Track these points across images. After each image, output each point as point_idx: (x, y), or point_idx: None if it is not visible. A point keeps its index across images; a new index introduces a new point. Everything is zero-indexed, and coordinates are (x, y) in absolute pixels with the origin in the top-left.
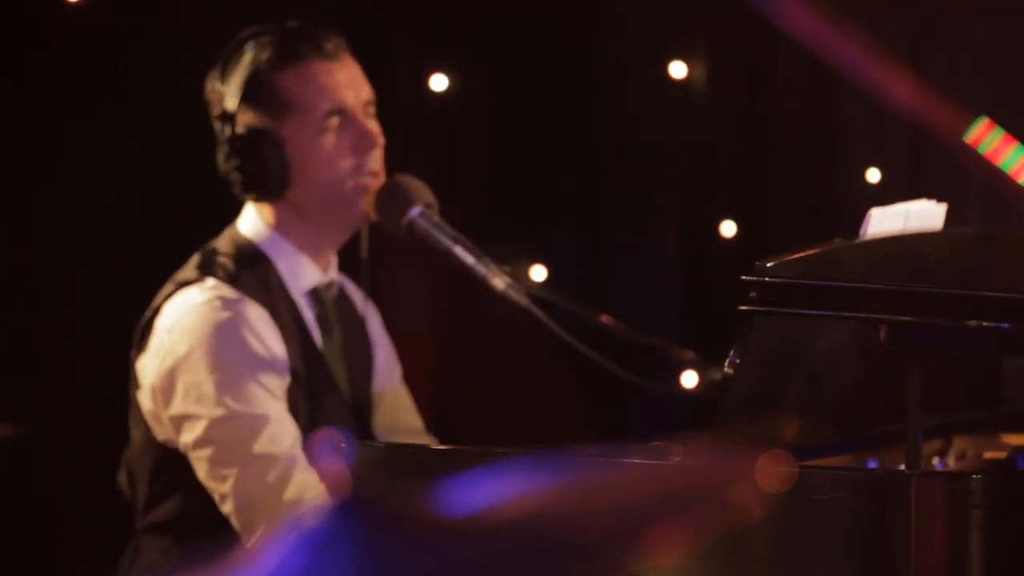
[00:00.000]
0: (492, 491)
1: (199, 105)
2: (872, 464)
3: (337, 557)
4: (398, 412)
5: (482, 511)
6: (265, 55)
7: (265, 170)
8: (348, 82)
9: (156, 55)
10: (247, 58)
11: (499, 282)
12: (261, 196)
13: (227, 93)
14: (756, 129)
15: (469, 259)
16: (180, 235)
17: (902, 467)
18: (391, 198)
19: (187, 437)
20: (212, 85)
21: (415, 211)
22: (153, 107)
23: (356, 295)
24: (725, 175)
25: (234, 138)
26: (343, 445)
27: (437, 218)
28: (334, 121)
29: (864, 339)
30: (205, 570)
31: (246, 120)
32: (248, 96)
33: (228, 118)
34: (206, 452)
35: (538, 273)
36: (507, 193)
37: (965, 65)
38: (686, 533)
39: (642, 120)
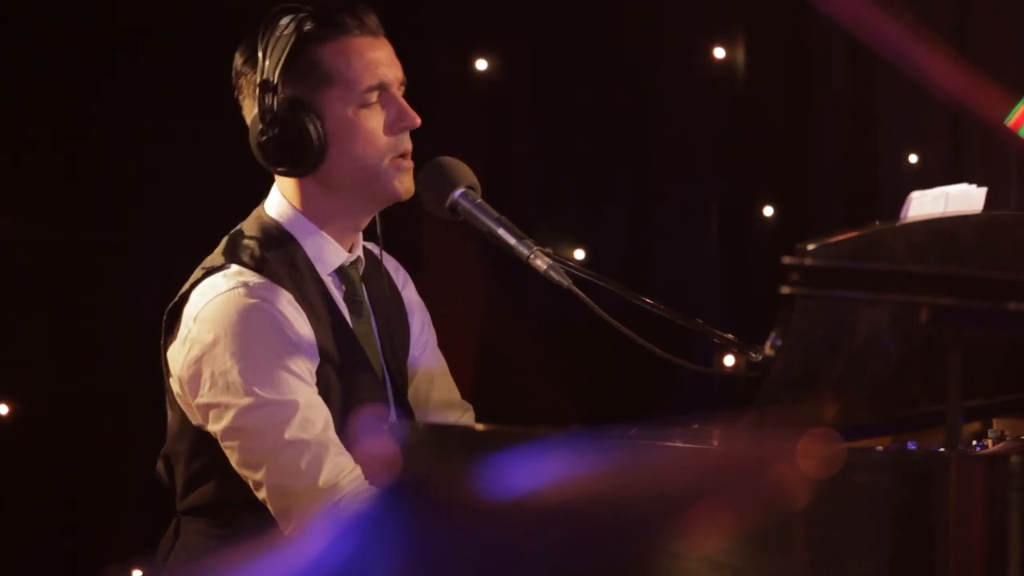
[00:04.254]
0: (537, 474)
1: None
2: (911, 446)
3: (386, 539)
4: (434, 380)
5: (527, 494)
6: (308, 27)
7: (305, 140)
8: (388, 60)
9: (195, 34)
10: (287, 30)
11: (541, 263)
12: (294, 170)
13: (267, 64)
14: (796, 113)
15: (511, 240)
16: (226, 214)
17: (941, 449)
18: (434, 179)
19: (216, 427)
20: (244, 57)
21: (458, 192)
22: (183, 96)
23: (389, 262)
24: (766, 158)
25: (272, 107)
26: (390, 426)
27: (480, 199)
28: (374, 96)
29: (904, 321)
30: (251, 552)
31: (285, 91)
32: (288, 67)
33: (269, 88)
34: (237, 442)
35: (579, 255)
36: (549, 175)
37: (1006, 47)
38: (728, 517)
39: (683, 104)
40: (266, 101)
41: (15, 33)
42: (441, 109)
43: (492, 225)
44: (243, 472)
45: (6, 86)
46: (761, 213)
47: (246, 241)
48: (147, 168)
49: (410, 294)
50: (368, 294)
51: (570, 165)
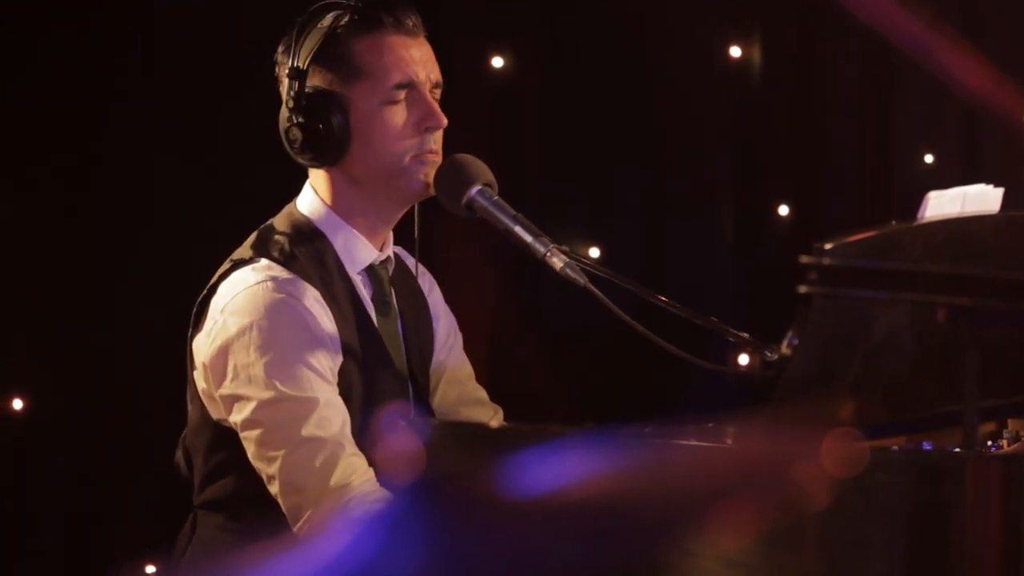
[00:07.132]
0: (553, 472)
1: (261, 80)
2: (927, 446)
3: (408, 536)
4: (462, 384)
5: (544, 492)
6: (344, 20)
7: (327, 130)
8: (421, 60)
9: (222, 25)
10: (325, 22)
11: (557, 261)
12: (318, 159)
13: (300, 53)
14: (812, 112)
15: (528, 238)
16: (240, 210)
17: (957, 449)
18: (451, 176)
19: (237, 417)
20: (283, 47)
21: (474, 190)
22: (214, 82)
23: (416, 268)
24: (781, 158)
25: (300, 95)
26: (414, 424)
27: (497, 196)
28: (402, 94)
29: (921, 321)
30: (270, 549)
31: (315, 80)
32: (319, 57)
33: (297, 75)
34: (255, 433)
35: (594, 253)
36: (564, 173)
37: (1023, 44)
38: (744, 515)
39: (698, 102)
40: (294, 88)
41: (22, 30)
42: (457, 106)
43: (509, 223)
44: (258, 465)
45: (19, 81)
46: (777, 212)
47: (276, 236)
48: (166, 163)
49: (436, 299)
50: (396, 295)
51: (585, 163)
